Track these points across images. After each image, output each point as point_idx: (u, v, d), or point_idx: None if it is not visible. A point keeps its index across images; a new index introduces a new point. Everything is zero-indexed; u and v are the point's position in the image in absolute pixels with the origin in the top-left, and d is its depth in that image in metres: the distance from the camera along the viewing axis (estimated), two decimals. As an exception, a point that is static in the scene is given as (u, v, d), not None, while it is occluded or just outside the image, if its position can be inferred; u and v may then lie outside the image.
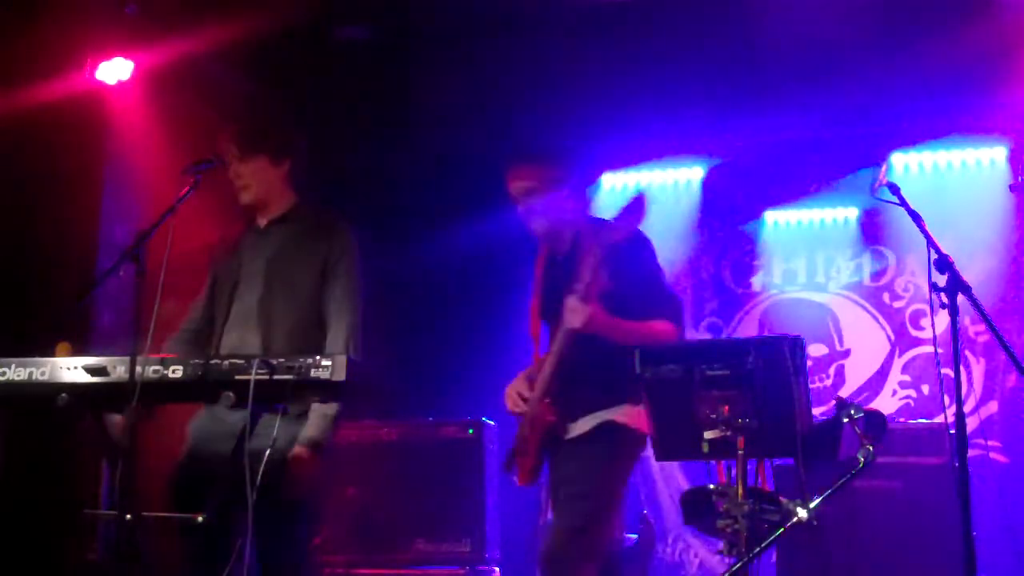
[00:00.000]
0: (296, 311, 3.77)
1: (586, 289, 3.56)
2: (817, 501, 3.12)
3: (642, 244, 3.82)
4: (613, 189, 7.42)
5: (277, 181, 3.91)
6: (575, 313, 3.55)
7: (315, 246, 3.84)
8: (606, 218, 3.92)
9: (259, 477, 3.14)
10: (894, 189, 3.60)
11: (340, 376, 3.04)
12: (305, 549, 3.79)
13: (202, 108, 5.82)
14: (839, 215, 7.02)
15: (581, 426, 3.71)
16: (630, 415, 3.68)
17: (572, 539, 3.59)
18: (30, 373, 3.19)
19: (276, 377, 3.06)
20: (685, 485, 6.22)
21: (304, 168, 4.01)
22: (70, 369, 3.17)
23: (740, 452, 3.19)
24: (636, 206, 3.67)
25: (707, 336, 7.02)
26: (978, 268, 6.33)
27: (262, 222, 3.92)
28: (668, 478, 6.84)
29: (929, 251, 3.44)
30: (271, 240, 3.88)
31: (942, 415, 5.41)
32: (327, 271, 3.80)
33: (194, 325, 3.97)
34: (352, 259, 3.84)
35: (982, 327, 6.29)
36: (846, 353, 6.84)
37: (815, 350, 6.82)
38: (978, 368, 6.46)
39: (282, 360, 3.08)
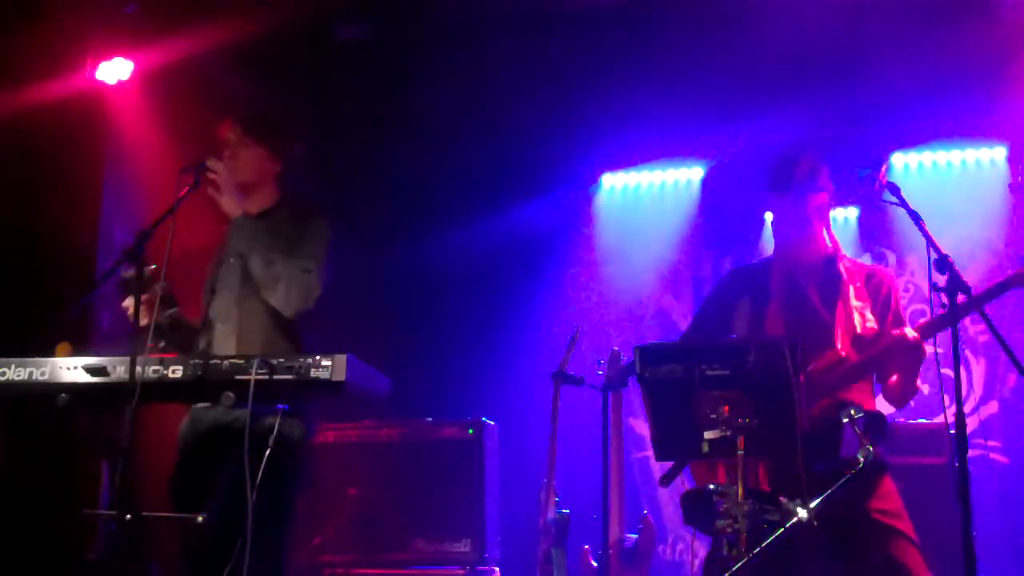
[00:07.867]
0: (266, 308, 3.70)
1: None
2: (817, 501, 3.12)
3: None
4: (613, 189, 7.42)
5: (267, 175, 3.92)
6: None
7: (288, 234, 3.79)
8: None
9: (259, 476, 3.14)
10: (894, 189, 3.59)
11: (340, 376, 3.04)
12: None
13: (202, 108, 5.82)
14: (839, 215, 7.01)
15: None
16: None
17: None
18: (30, 373, 3.20)
19: (276, 377, 3.07)
20: (685, 485, 6.20)
21: (299, 174, 4.01)
22: (70, 369, 3.17)
23: (740, 452, 3.19)
24: None
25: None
26: (978, 268, 6.33)
27: (237, 213, 3.81)
28: (668, 478, 6.82)
29: (929, 251, 3.43)
30: (245, 233, 3.78)
31: (942, 415, 5.40)
32: (293, 252, 3.73)
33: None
34: (321, 242, 3.77)
35: (982, 327, 6.28)
36: (846, 353, 6.82)
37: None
38: (978, 368, 6.46)
39: (282, 360, 3.09)
